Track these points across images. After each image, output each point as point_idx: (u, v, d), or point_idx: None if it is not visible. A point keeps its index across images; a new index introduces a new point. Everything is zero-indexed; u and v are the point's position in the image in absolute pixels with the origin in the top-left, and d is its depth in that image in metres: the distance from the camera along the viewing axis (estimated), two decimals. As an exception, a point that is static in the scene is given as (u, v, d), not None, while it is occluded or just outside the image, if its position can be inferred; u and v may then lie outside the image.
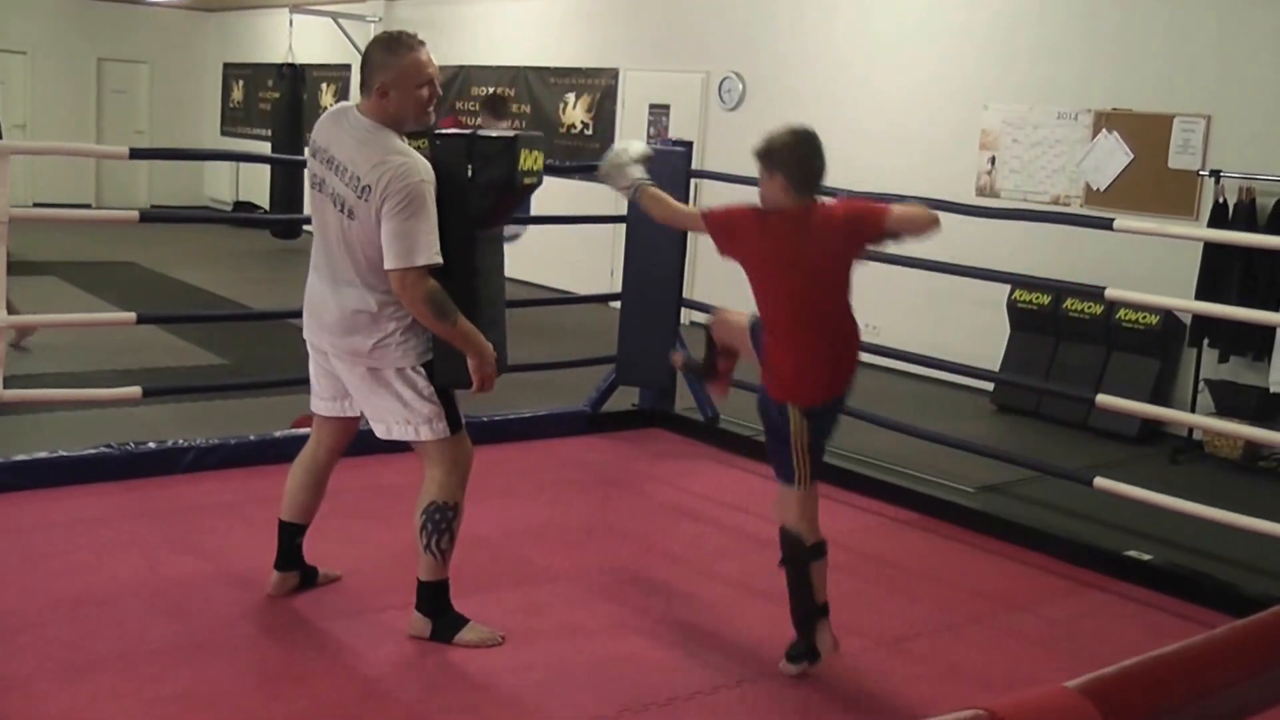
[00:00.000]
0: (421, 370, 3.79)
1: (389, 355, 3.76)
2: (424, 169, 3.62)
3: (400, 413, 3.81)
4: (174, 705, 3.45)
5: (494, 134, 3.92)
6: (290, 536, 4.16)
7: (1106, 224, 5.30)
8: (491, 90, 11.96)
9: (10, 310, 5.20)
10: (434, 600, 3.92)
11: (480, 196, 3.80)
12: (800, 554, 3.87)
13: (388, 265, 3.58)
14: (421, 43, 3.72)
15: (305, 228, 11.76)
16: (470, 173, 3.77)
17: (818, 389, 3.88)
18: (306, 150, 3.81)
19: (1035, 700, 1.13)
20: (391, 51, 3.68)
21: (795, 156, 3.85)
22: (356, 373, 3.80)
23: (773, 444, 3.95)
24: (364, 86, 3.71)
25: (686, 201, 6.78)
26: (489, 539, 4.96)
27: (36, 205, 15.44)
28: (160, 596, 4.19)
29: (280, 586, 4.17)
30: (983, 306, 8.35)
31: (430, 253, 3.57)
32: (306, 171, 3.82)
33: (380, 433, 3.88)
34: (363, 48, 15.18)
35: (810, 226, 3.82)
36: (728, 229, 3.93)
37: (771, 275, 3.84)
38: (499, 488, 5.69)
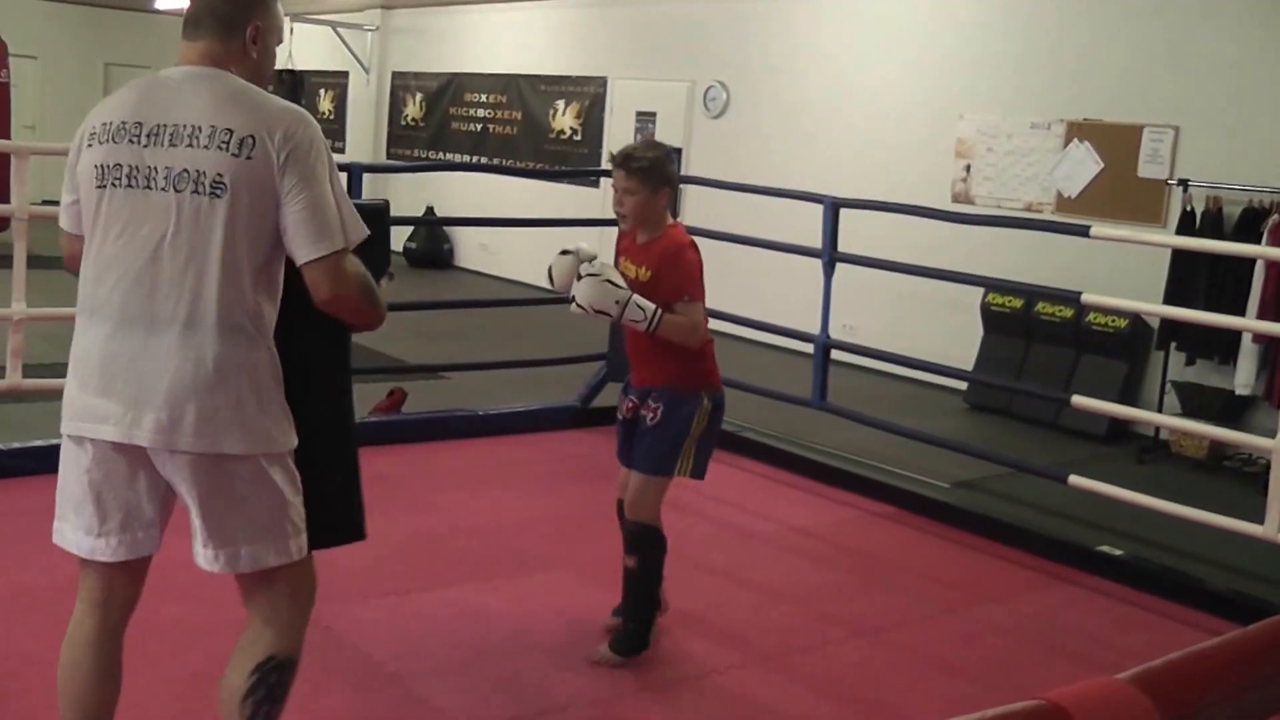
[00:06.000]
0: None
1: (272, 426, 2.51)
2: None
3: (275, 523, 2.54)
4: (184, 685, 3.55)
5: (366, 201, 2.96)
6: None
7: (1083, 231, 5.44)
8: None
9: None
10: None
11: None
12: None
13: (312, 253, 2.45)
14: None
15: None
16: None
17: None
18: (79, 140, 2.57)
19: (1092, 691, 1.17)
20: None
21: None
22: (209, 470, 2.46)
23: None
24: (224, 28, 2.55)
25: (676, 208, 6.93)
26: (485, 529, 5.11)
27: (45, 203, 15.56)
28: (169, 578, 4.23)
29: None
30: (956, 309, 8.54)
31: (360, 225, 2.55)
32: (80, 168, 2.55)
33: (221, 564, 2.52)
34: (359, 55, 15.14)
35: None
36: None
37: None
38: (494, 480, 5.84)
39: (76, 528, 2.61)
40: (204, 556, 2.53)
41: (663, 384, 3.85)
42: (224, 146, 2.41)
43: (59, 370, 6.67)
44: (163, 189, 2.43)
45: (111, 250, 2.48)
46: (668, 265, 3.76)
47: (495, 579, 4.56)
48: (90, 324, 2.51)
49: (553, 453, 6.39)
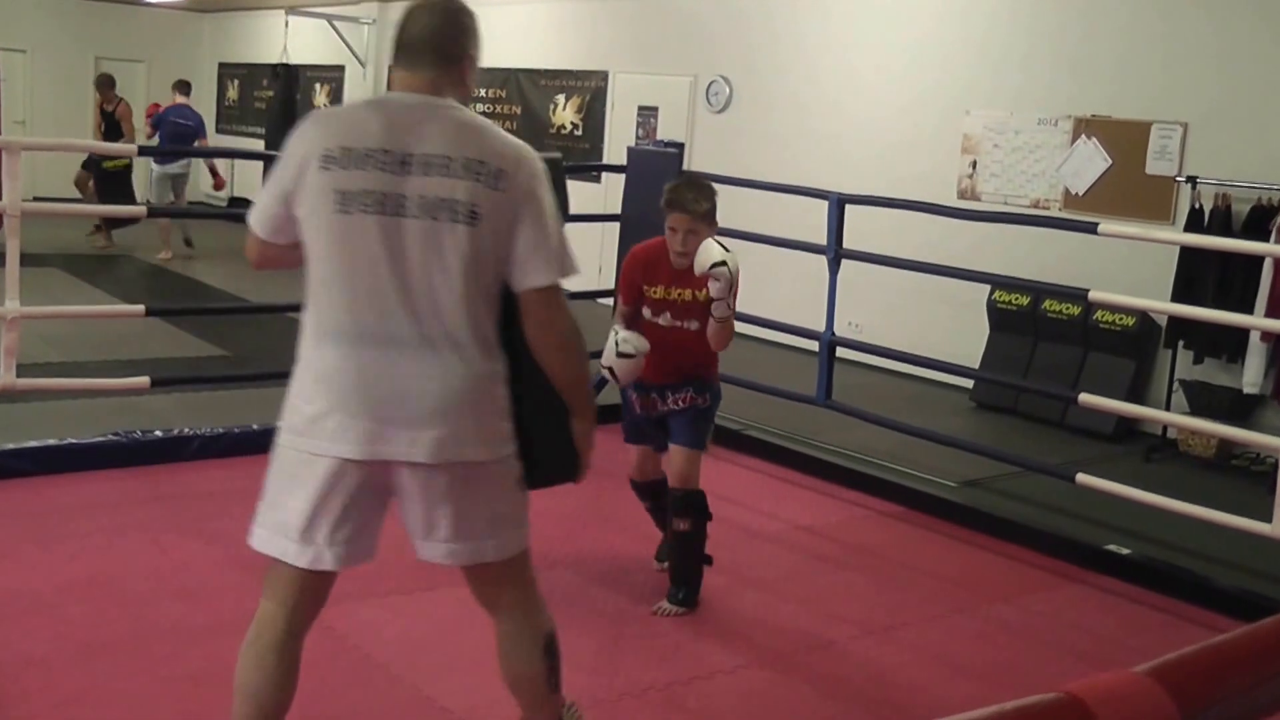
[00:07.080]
0: None
1: (506, 434, 2.72)
2: None
3: (515, 515, 2.78)
4: (186, 684, 3.54)
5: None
6: None
7: (1090, 228, 5.41)
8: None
9: None
10: None
11: None
12: None
13: (538, 280, 2.62)
14: None
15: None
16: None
17: None
18: (305, 157, 2.61)
19: (1110, 684, 1.18)
20: (474, 18, 2.78)
21: None
22: (459, 477, 2.63)
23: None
24: (445, 59, 2.68)
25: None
26: (488, 528, 5.08)
27: (36, 199, 15.56)
28: (169, 579, 4.29)
29: None
30: (962, 306, 8.50)
31: (574, 261, 2.71)
32: (313, 188, 2.59)
33: (465, 558, 2.72)
34: (355, 49, 15.04)
35: None
36: None
37: None
38: (495, 479, 5.80)
39: (297, 538, 2.63)
40: (442, 551, 2.68)
41: (701, 375, 4.46)
42: (479, 178, 2.55)
43: (53, 370, 6.74)
44: (416, 216, 2.54)
45: (361, 275, 2.56)
46: None
47: (498, 578, 4.52)
48: (336, 346, 2.59)
49: (556, 451, 6.34)
